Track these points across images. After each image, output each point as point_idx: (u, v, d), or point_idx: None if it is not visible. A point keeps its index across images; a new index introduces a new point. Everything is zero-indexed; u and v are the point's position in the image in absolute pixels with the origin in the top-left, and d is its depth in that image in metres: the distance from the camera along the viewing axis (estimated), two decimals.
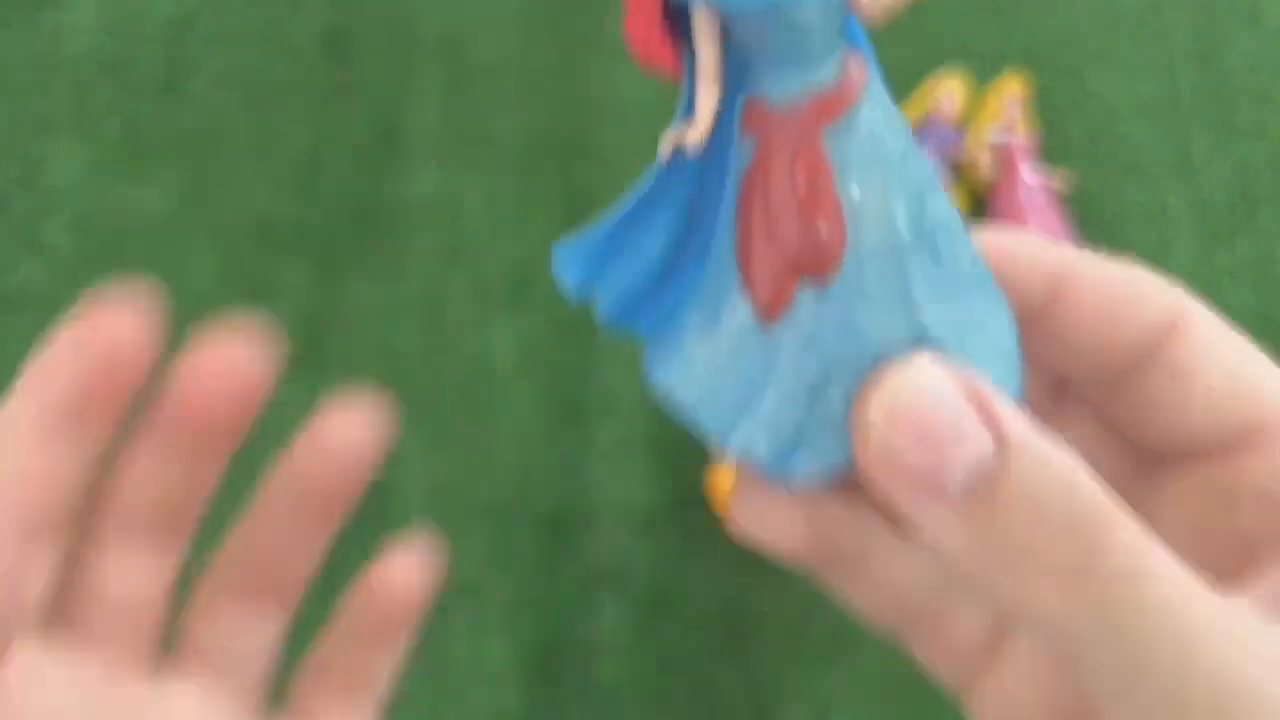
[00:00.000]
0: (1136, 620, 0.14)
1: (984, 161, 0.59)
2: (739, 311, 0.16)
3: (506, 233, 0.61)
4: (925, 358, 0.15)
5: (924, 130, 0.59)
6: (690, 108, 0.17)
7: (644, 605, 0.54)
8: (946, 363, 0.15)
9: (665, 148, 0.17)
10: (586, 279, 0.17)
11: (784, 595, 0.54)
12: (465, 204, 0.62)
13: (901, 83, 0.65)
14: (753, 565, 0.54)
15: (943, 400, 0.15)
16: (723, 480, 0.52)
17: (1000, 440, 0.15)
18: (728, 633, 0.53)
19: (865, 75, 0.16)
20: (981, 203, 0.60)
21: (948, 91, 0.60)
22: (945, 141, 0.59)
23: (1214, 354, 0.17)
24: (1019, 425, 0.15)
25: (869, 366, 0.16)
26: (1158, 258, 0.61)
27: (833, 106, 0.15)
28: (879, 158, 0.15)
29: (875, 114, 0.15)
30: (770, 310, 0.16)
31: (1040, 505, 0.15)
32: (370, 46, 0.67)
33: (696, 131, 0.16)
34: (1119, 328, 0.17)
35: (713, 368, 0.16)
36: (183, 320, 0.24)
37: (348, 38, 0.67)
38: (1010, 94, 0.60)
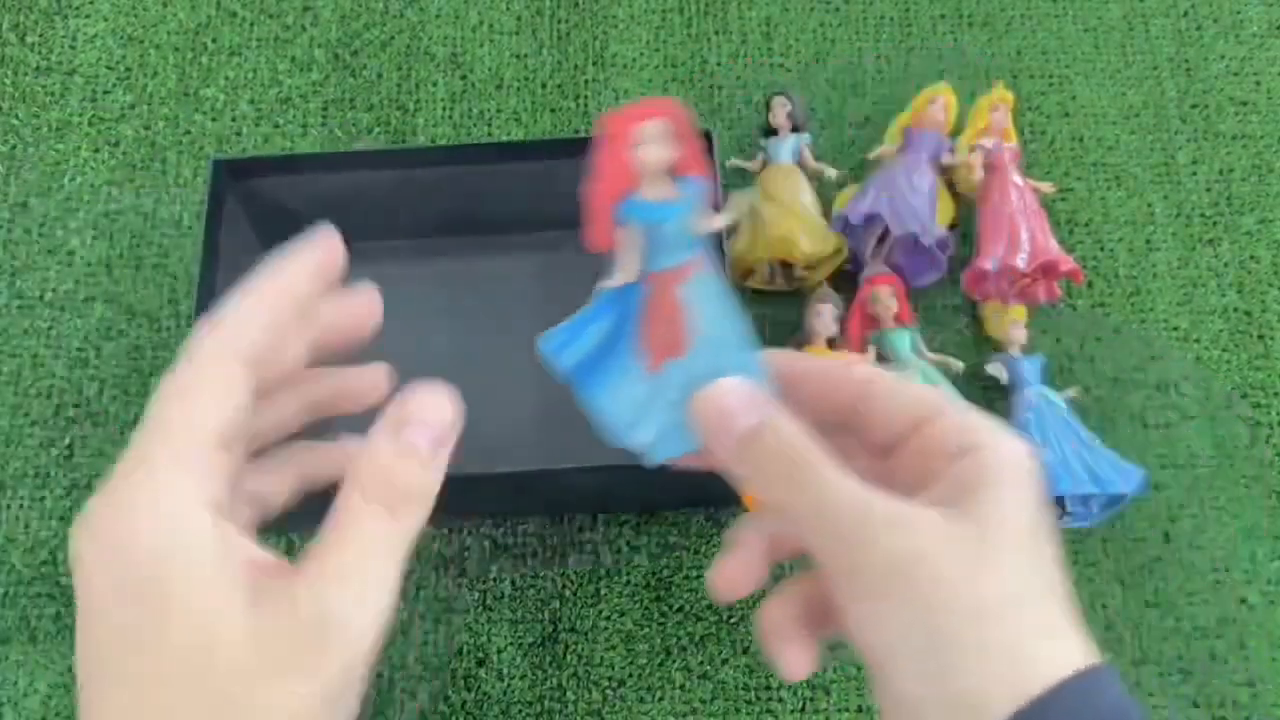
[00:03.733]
0: (818, 499, 0.28)
1: (973, 167, 0.60)
2: (639, 369, 0.33)
3: None
4: (730, 379, 0.30)
5: (917, 137, 0.61)
6: (617, 269, 0.34)
7: (645, 592, 0.55)
8: (740, 379, 0.30)
9: (604, 285, 0.34)
10: (556, 351, 0.34)
11: (782, 584, 0.55)
12: None
13: (895, 92, 0.67)
14: None
15: (735, 393, 0.30)
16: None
17: (763, 413, 0.29)
18: (726, 618, 0.55)
19: (702, 260, 0.33)
20: (970, 206, 0.62)
21: (939, 100, 0.61)
22: (936, 147, 0.61)
23: (886, 384, 0.31)
24: (772, 407, 0.30)
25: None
26: (1143, 260, 0.62)
27: (684, 274, 0.33)
28: (707, 296, 0.32)
29: (707, 278, 0.33)
30: (654, 368, 0.33)
31: (778, 445, 0.29)
32: (378, 57, 0.68)
33: (617, 281, 0.34)
34: (835, 389, 0.32)
35: (626, 397, 0.33)
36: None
37: (357, 48, 0.69)
38: (999, 102, 0.62)
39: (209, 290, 0.52)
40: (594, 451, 0.56)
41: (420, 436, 0.29)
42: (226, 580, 0.26)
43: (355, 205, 0.58)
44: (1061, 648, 0.27)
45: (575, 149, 0.57)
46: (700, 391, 0.30)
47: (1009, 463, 0.29)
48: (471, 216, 0.60)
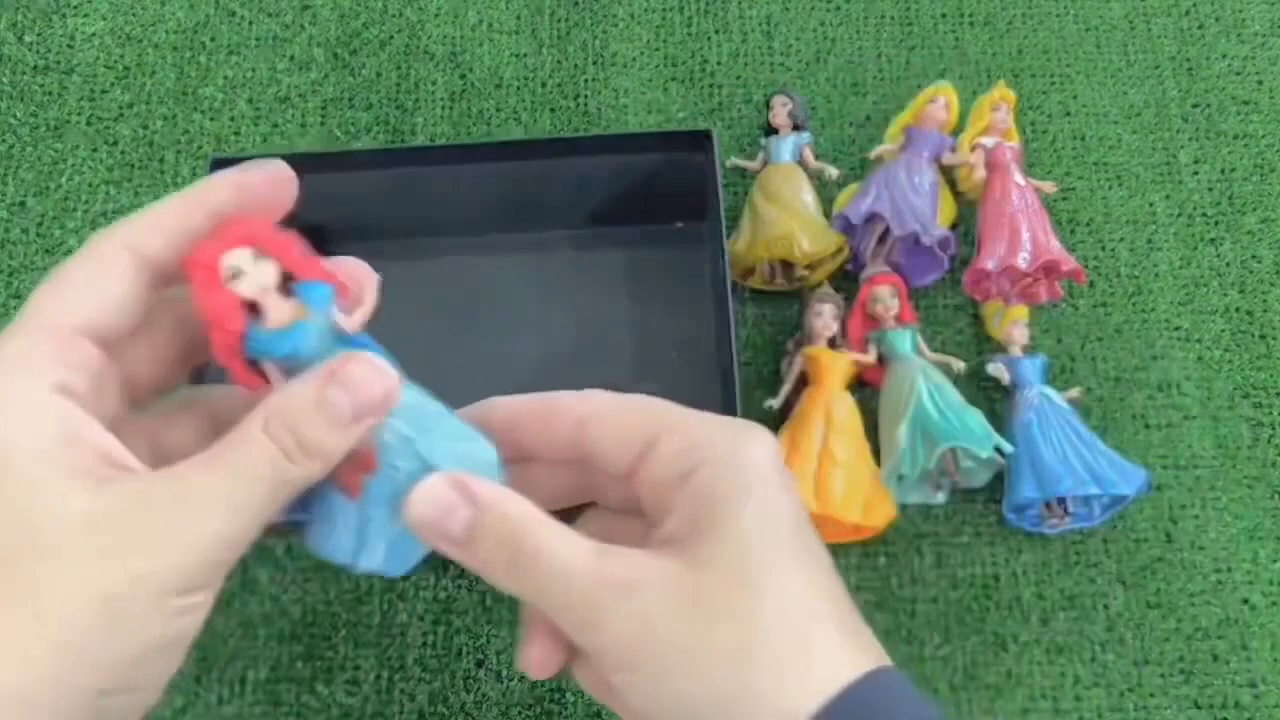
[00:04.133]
0: (546, 582, 0.27)
1: (974, 166, 0.60)
2: (342, 498, 0.31)
3: None
4: (432, 476, 0.28)
5: (918, 136, 0.61)
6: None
7: None
8: (444, 475, 0.28)
9: None
10: (316, 545, 0.32)
11: None
12: None
13: (896, 91, 0.67)
14: None
15: (437, 492, 0.28)
16: None
17: (475, 503, 0.28)
18: None
19: (368, 357, 0.30)
20: (971, 206, 0.62)
21: (940, 98, 0.61)
22: (937, 147, 0.60)
23: (610, 421, 0.30)
24: (484, 489, 0.28)
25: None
26: (1144, 260, 0.62)
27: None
28: (398, 412, 0.30)
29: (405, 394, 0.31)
30: (354, 492, 0.31)
31: (498, 533, 0.27)
32: (377, 56, 0.68)
33: None
34: (554, 427, 0.31)
35: (341, 528, 0.31)
36: None
37: (356, 47, 0.68)
38: (1000, 101, 0.61)
39: None
40: None
41: (345, 399, 0.28)
42: (64, 462, 0.26)
43: (354, 204, 0.57)
44: (821, 665, 0.26)
45: (572, 148, 0.57)
46: (406, 499, 0.28)
47: (730, 474, 0.27)
48: (472, 217, 0.60)
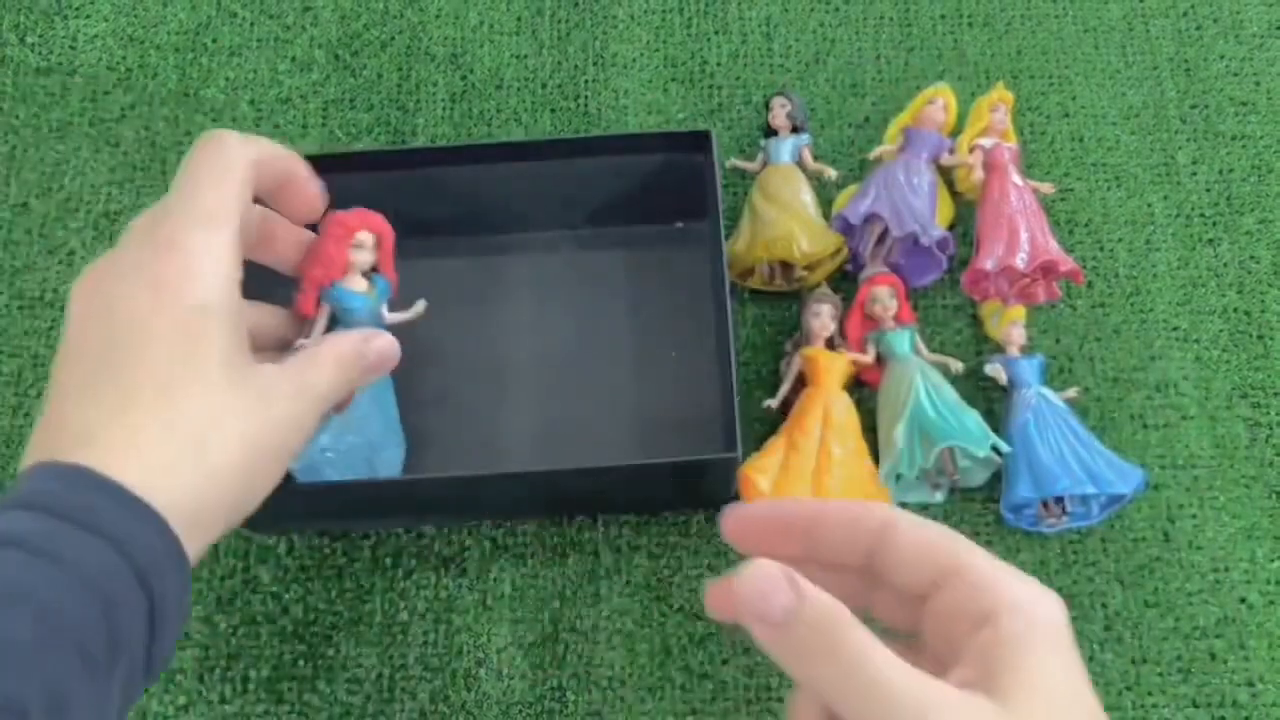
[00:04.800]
0: (867, 684, 0.27)
1: (973, 167, 0.60)
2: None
3: None
4: (762, 560, 0.29)
5: (916, 137, 0.61)
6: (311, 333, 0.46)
7: (645, 592, 0.55)
8: (773, 562, 0.29)
9: (300, 344, 0.45)
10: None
11: None
12: None
13: (895, 92, 0.67)
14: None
15: (766, 573, 0.28)
16: (752, 477, 0.54)
17: (799, 595, 0.28)
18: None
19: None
20: (970, 206, 0.62)
21: (939, 100, 0.61)
22: (936, 148, 0.61)
23: (915, 534, 0.30)
24: (807, 586, 0.28)
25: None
26: (1142, 260, 0.62)
27: None
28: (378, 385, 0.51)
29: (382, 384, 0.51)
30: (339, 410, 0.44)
31: (814, 626, 0.28)
32: (379, 57, 0.68)
33: (310, 342, 0.45)
34: (857, 536, 0.31)
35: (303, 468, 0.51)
36: None
37: (357, 48, 0.69)
38: (999, 102, 0.62)
39: None
40: (592, 453, 0.56)
41: (373, 354, 0.42)
42: (236, 326, 0.36)
43: (356, 204, 0.57)
44: None
45: (572, 149, 0.58)
46: (737, 575, 0.29)
47: (1034, 629, 0.28)
48: (472, 217, 0.60)
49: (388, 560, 0.56)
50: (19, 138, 0.66)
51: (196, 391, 0.34)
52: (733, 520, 0.33)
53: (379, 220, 0.47)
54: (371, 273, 0.47)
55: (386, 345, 0.42)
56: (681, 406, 0.57)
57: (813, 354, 0.56)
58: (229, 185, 0.37)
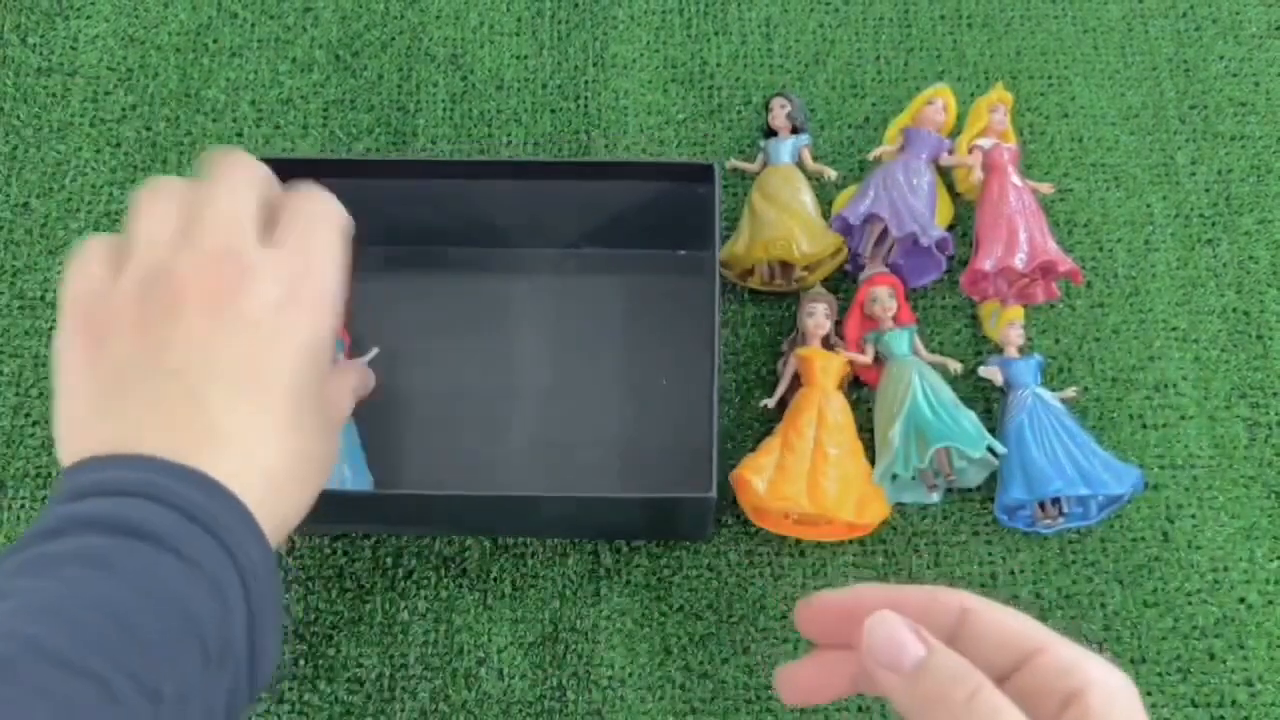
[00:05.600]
0: None
1: (972, 167, 0.60)
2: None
3: None
4: (889, 614, 0.30)
5: (916, 137, 0.61)
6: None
7: (645, 592, 0.55)
8: (900, 617, 0.30)
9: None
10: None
11: (780, 584, 0.55)
12: None
13: (894, 93, 0.67)
14: (750, 556, 0.56)
15: (895, 625, 0.30)
16: (747, 477, 0.54)
17: (928, 647, 0.30)
18: (726, 618, 0.55)
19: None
20: (969, 207, 0.62)
21: (938, 100, 0.62)
22: (935, 148, 0.61)
23: (994, 616, 0.31)
24: (935, 641, 0.30)
25: None
26: (1141, 260, 0.62)
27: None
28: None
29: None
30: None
31: (945, 678, 0.29)
32: (379, 58, 0.69)
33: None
34: (936, 621, 0.32)
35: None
36: None
37: (358, 49, 0.69)
38: (998, 102, 0.62)
39: None
40: (578, 478, 0.56)
41: (365, 382, 0.47)
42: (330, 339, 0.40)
43: (358, 212, 0.58)
44: None
45: (579, 171, 0.57)
46: (867, 624, 0.31)
47: (1116, 704, 0.30)
48: (475, 229, 0.60)
49: (388, 560, 0.56)
50: (20, 138, 0.66)
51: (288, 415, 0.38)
52: (807, 611, 0.34)
53: None
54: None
55: (371, 378, 0.48)
56: (669, 435, 0.57)
57: (808, 354, 0.57)
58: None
